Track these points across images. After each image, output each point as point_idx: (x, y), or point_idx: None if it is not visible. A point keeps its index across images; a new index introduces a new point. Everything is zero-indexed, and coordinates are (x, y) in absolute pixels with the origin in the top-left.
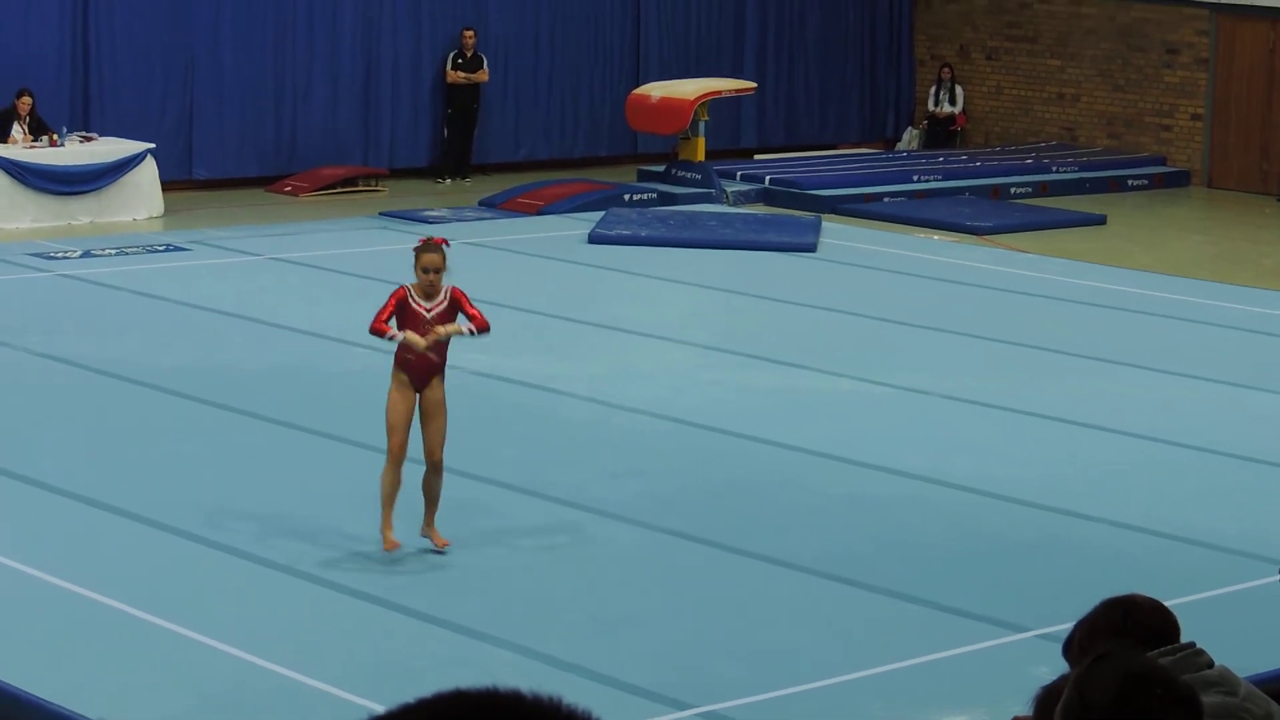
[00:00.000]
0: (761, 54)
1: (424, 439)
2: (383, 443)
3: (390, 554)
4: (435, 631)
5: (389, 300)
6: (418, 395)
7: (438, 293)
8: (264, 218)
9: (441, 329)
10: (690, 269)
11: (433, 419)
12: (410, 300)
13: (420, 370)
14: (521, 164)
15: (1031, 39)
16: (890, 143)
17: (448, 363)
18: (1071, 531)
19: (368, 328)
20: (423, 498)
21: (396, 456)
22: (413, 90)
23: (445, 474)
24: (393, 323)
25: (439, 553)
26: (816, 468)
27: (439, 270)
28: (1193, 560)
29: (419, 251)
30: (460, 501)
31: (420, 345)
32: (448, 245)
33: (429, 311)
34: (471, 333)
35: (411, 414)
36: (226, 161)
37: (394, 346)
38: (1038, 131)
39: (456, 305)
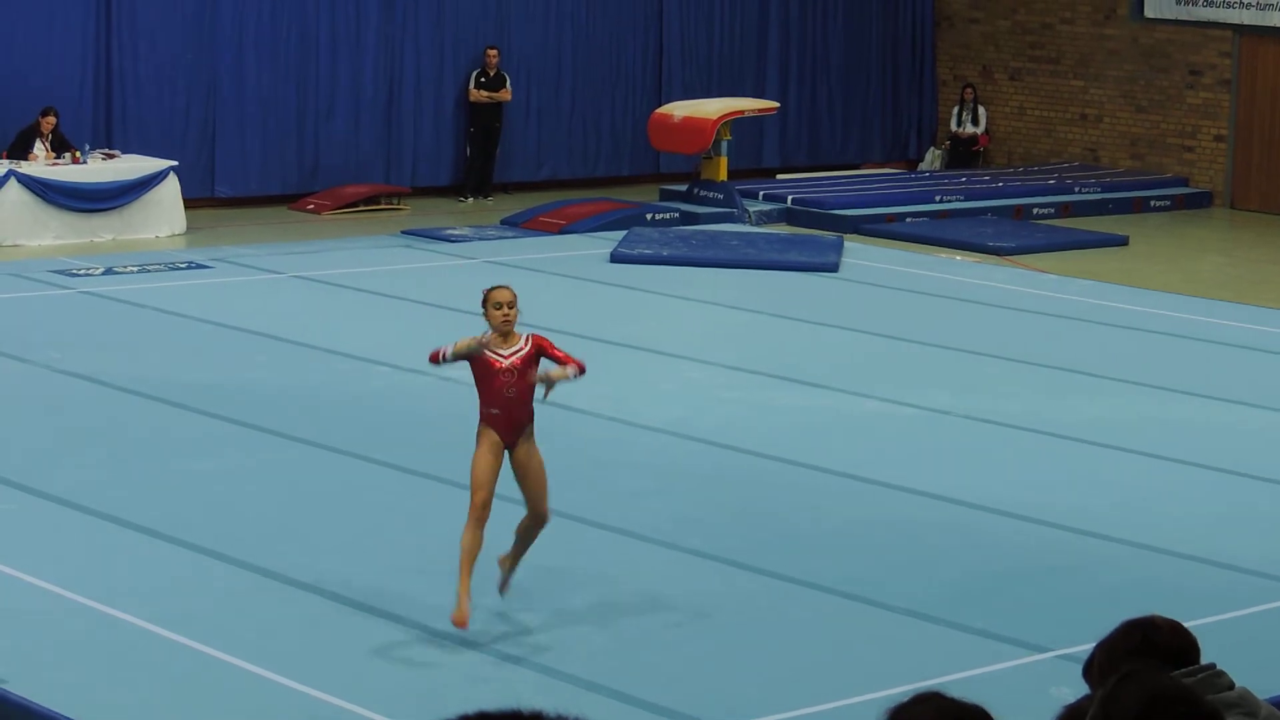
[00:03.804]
0: (784, 74)
1: (526, 499)
2: (401, 458)
3: (461, 630)
4: (456, 650)
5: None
6: (506, 452)
7: (512, 337)
8: (286, 235)
9: (551, 373)
10: (712, 288)
11: (526, 479)
12: (483, 347)
13: (508, 425)
14: (544, 183)
15: (1054, 60)
16: (913, 163)
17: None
18: (1092, 552)
19: (428, 358)
20: (515, 535)
21: (479, 516)
22: (435, 109)
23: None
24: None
25: (499, 593)
26: (837, 487)
27: (512, 304)
28: (1213, 581)
29: (487, 292)
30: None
31: (475, 348)
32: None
33: (507, 358)
34: (576, 375)
35: (498, 470)
36: (249, 179)
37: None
38: (1060, 152)
39: (540, 352)
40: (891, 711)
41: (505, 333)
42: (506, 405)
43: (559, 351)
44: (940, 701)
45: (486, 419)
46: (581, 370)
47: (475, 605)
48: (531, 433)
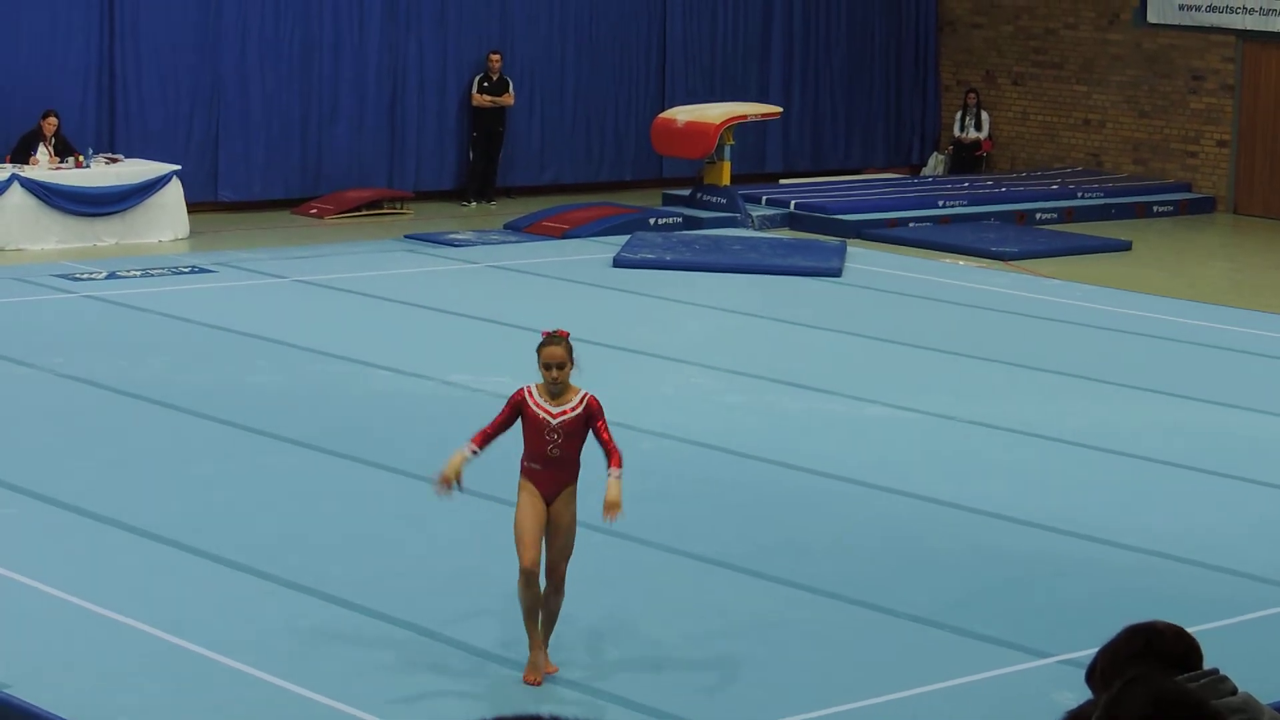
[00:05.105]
0: (787, 78)
1: (546, 553)
2: (403, 463)
3: (533, 685)
4: (462, 657)
5: (503, 409)
6: (547, 506)
7: (567, 392)
8: (289, 240)
9: (609, 497)
10: (715, 293)
11: (558, 534)
12: (531, 402)
13: (548, 484)
14: (546, 187)
15: (1058, 65)
16: (916, 168)
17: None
18: (1094, 557)
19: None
20: (542, 616)
21: (530, 574)
22: (438, 113)
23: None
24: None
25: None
26: (840, 492)
27: (562, 365)
28: (1216, 586)
29: (540, 347)
30: (483, 524)
31: (445, 485)
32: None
33: (555, 417)
34: (618, 477)
35: (543, 525)
36: (252, 183)
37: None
38: (1063, 157)
39: (590, 419)
40: None
41: (555, 392)
42: (549, 464)
43: (606, 434)
44: None
45: (526, 473)
46: (618, 465)
47: (480, 612)
48: (573, 492)
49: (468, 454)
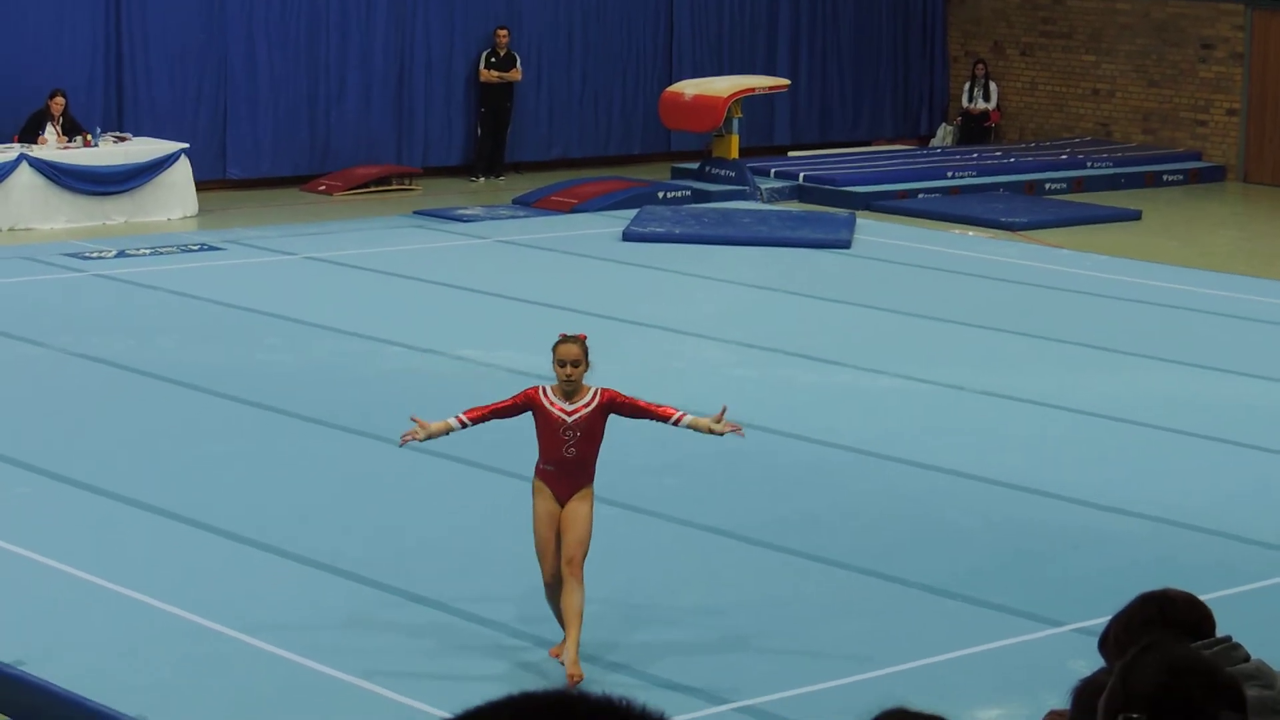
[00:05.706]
0: (795, 51)
1: (562, 547)
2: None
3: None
4: (480, 633)
5: (512, 396)
6: (561, 509)
7: (580, 391)
8: (298, 217)
9: (704, 420)
10: (724, 266)
11: (571, 528)
12: (545, 400)
13: (563, 486)
14: (555, 162)
15: (1066, 34)
16: (924, 139)
17: (595, 477)
18: (1107, 526)
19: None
20: (563, 615)
21: (552, 586)
22: (446, 89)
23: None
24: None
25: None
26: (853, 463)
27: (577, 363)
28: (1228, 554)
29: (555, 345)
30: (499, 501)
31: (416, 434)
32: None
33: (569, 415)
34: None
35: (556, 529)
36: (261, 161)
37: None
38: (1072, 127)
39: (611, 409)
40: None
41: (569, 391)
42: (564, 465)
43: (641, 402)
44: (905, 717)
45: (540, 474)
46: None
47: (499, 589)
48: (589, 493)
49: (455, 425)
